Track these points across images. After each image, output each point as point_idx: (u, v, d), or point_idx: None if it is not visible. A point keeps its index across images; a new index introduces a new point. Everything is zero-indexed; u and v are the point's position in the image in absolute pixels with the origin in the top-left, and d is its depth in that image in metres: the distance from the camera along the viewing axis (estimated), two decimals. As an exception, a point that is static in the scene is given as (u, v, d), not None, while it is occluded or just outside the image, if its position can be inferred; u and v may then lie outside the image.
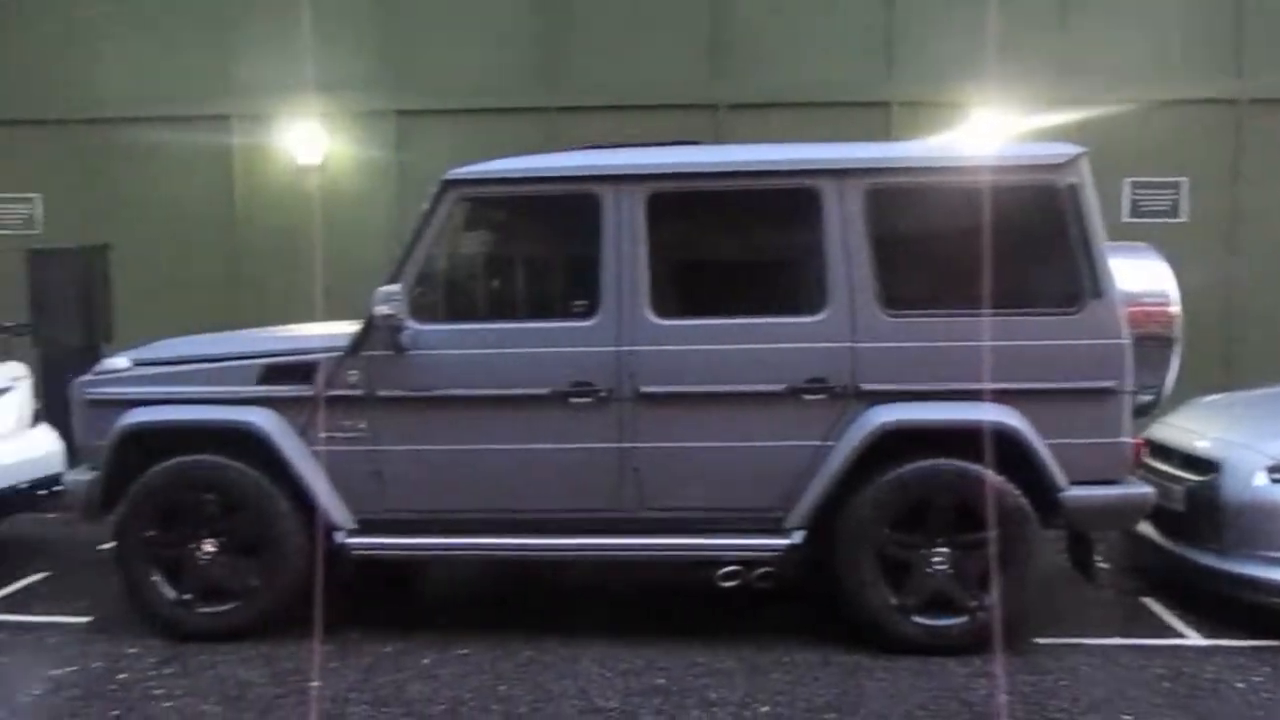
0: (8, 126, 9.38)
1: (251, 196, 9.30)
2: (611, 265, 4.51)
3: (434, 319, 4.59)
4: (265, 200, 9.26)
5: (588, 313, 4.53)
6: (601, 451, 4.52)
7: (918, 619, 4.43)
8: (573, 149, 4.94)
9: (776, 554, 4.44)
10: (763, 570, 4.47)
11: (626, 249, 4.51)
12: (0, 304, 7.89)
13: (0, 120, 9.36)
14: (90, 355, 7.38)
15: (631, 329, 4.49)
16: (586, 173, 4.59)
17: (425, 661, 4.47)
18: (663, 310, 4.51)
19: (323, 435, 4.58)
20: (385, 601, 5.34)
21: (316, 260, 8.01)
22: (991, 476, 4.31)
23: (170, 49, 9.32)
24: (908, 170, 4.59)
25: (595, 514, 4.55)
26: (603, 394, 4.49)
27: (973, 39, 8.55)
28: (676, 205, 4.57)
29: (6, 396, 6.07)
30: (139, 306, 8.29)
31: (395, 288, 4.45)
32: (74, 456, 5.49)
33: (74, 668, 4.48)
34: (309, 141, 9.05)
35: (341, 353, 4.59)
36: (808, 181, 4.52)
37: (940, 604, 4.43)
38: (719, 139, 8.64)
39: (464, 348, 4.55)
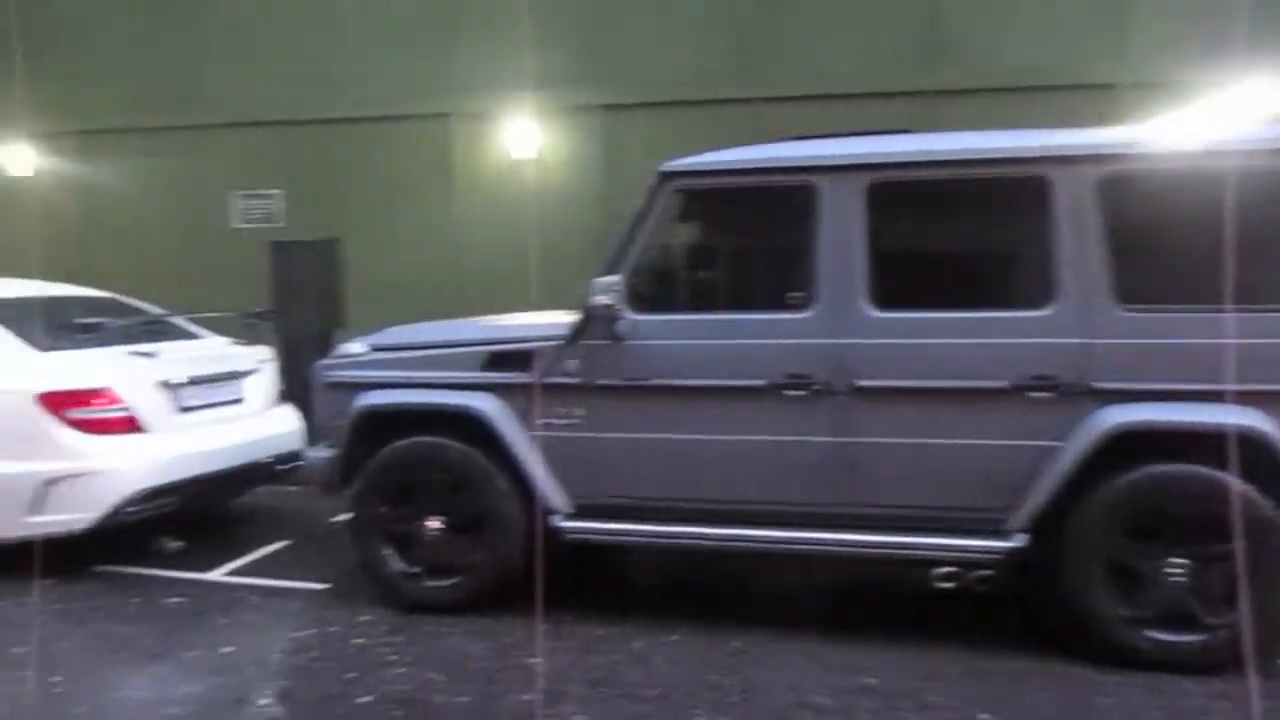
0: (255, 128, 10.16)
1: (470, 191, 9.72)
2: (828, 256, 4.46)
3: (651, 309, 4.66)
4: (482, 194, 9.66)
5: (803, 304, 4.50)
6: (816, 445, 4.48)
7: (1150, 633, 4.18)
8: (778, 140, 4.91)
9: (998, 556, 4.28)
10: (983, 573, 4.33)
11: (844, 240, 4.45)
12: (247, 292, 8.55)
13: (248, 122, 10.16)
14: (324, 340, 7.92)
15: (848, 321, 4.43)
16: (804, 163, 4.54)
17: (637, 646, 4.56)
18: (880, 302, 4.42)
19: (542, 421, 4.74)
20: (596, 584, 5.48)
21: (530, 251, 8.29)
22: (1238, 484, 4.02)
23: (396, 52, 9.85)
24: (1144, 156, 4.31)
25: (809, 508, 4.52)
26: (817, 387, 4.45)
27: (1211, 10, 7.96)
28: (896, 195, 4.47)
29: (254, 378, 6.58)
30: (367, 294, 8.81)
31: (614, 278, 4.54)
32: (312, 434, 5.90)
33: (313, 630, 4.82)
34: (523, 137, 9.37)
35: (561, 342, 4.73)
36: (1036, 170, 4.33)
37: (1176, 618, 4.17)
38: (930, 127, 8.39)
39: (680, 338, 4.61)
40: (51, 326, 5.98)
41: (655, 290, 4.75)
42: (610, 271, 4.60)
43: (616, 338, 4.63)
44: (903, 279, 4.51)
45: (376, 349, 5.17)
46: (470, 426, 4.82)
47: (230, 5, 10.43)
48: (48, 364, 5.64)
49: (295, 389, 6.93)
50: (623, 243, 4.70)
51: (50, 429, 5.45)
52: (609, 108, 9.41)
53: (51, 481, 5.43)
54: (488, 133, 9.60)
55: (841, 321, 4.44)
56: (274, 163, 10.11)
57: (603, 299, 4.52)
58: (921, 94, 8.83)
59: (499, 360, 4.83)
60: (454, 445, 4.84)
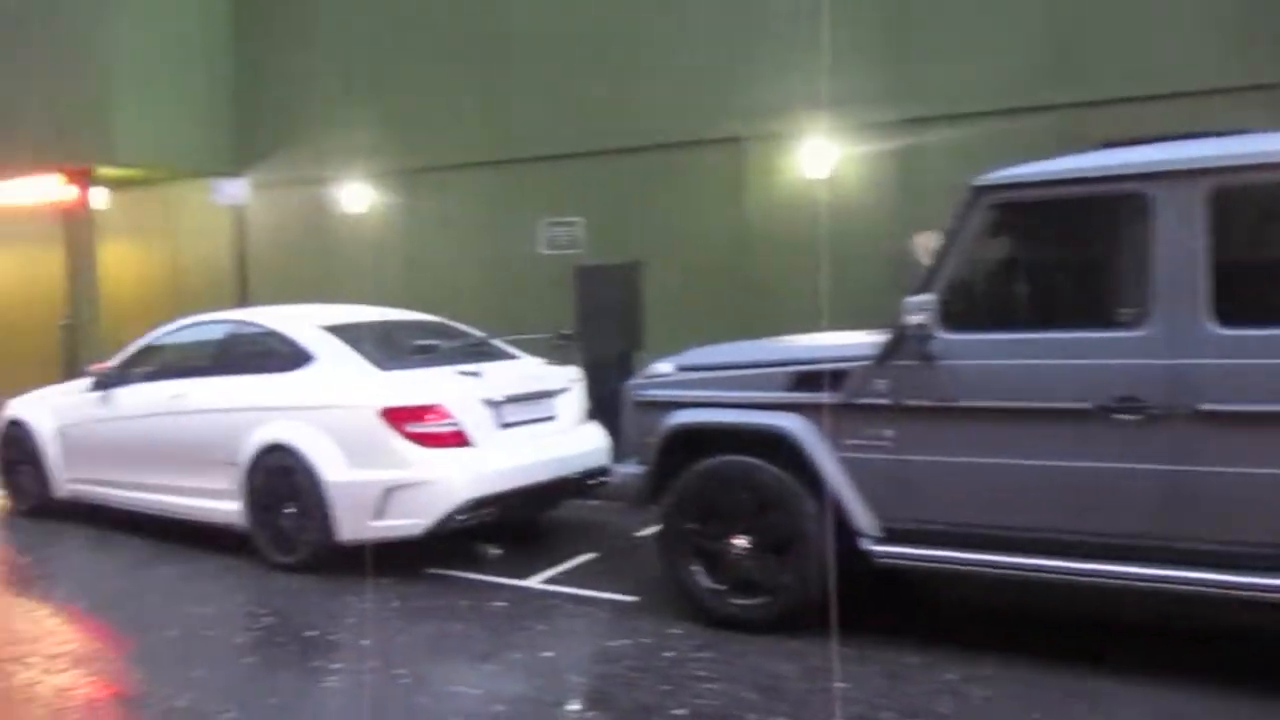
0: (558, 160, 10.80)
1: (762, 212, 9.82)
2: (1164, 270, 4.12)
3: (965, 328, 4.49)
4: (775, 215, 9.72)
5: (1135, 322, 4.19)
6: (1149, 474, 4.14)
7: None
8: (1100, 146, 4.62)
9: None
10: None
11: (1183, 251, 4.09)
12: (553, 314, 9.02)
13: (552, 155, 10.81)
14: (625, 361, 8.21)
15: (1187, 340, 4.07)
16: (1135, 171, 4.23)
17: (950, 677, 4.39)
18: (1226, 319, 4.03)
19: (849, 442, 4.68)
20: (903, 609, 5.34)
21: (824, 270, 8.24)
22: None
23: (688, 80, 10.16)
24: None
25: (1136, 540, 4.18)
26: (1152, 410, 4.12)
27: None
28: (1244, 201, 4.09)
29: (565, 396, 6.93)
30: (662, 316, 9.06)
31: (926, 297, 4.42)
32: (618, 451, 6.13)
33: (626, 641, 4.98)
34: (817, 156, 9.35)
35: (870, 362, 4.65)
36: None
37: None
38: (1271, 125, 7.60)
39: (997, 358, 4.42)
40: (389, 348, 6.58)
41: (970, 309, 4.57)
42: (922, 290, 4.48)
43: (928, 358, 4.50)
44: (1253, 293, 4.12)
45: (684, 369, 5.30)
46: (776, 446, 4.83)
47: (535, 52, 11.16)
48: (388, 382, 6.21)
49: (600, 407, 7.23)
50: (935, 260, 4.56)
51: (391, 441, 5.99)
52: (907, 122, 9.21)
53: (392, 489, 5.96)
54: (781, 154, 9.66)
55: (1181, 340, 4.09)
56: (576, 191, 10.66)
57: (915, 318, 4.41)
58: (1259, 89, 8.04)
59: (806, 380, 4.81)
60: (764, 465, 4.87)
